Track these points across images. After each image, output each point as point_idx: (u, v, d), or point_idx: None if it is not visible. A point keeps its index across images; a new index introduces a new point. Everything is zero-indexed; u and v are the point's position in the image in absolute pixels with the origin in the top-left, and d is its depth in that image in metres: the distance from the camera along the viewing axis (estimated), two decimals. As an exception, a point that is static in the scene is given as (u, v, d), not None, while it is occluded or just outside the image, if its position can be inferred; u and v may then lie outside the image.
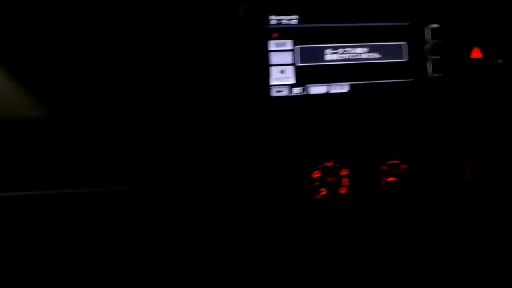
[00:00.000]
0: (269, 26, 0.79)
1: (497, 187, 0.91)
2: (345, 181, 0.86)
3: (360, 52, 0.83)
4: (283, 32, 0.80)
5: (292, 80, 0.80)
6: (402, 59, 0.85)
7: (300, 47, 0.80)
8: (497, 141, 0.91)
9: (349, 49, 0.83)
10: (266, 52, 0.80)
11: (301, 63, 0.80)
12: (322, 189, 0.85)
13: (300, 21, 0.80)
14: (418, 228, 0.92)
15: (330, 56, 0.82)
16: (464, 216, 0.93)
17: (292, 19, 0.80)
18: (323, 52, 0.81)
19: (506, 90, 0.90)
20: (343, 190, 0.86)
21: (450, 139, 0.89)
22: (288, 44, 0.80)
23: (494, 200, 0.90)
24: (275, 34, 0.79)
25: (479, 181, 0.90)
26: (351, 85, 0.83)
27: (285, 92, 0.81)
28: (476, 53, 0.89)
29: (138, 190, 0.77)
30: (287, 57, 0.80)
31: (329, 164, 0.85)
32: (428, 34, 0.86)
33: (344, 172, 0.86)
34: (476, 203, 0.91)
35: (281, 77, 0.80)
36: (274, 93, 0.80)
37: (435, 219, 0.91)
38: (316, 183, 0.85)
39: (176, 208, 0.80)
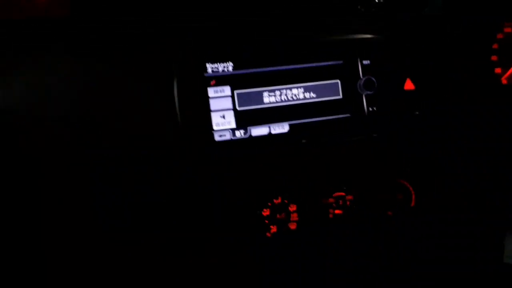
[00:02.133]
0: (206, 74, 0.83)
1: (441, 211, 0.95)
2: (294, 216, 0.88)
3: (296, 93, 0.87)
4: (220, 79, 0.83)
5: (233, 124, 0.84)
6: (337, 96, 0.89)
7: (238, 92, 0.84)
8: (437, 164, 0.95)
9: (286, 91, 0.86)
10: (206, 99, 0.83)
11: (240, 107, 0.84)
12: (272, 226, 0.87)
13: (235, 67, 0.84)
14: (370, 257, 0.95)
15: (268, 98, 0.86)
16: (415, 240, 0.96)
17: (227, 66, 0.84)
18: (262, 95, 0.85)
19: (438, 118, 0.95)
20: (292, 226, 0.88)
21: (391, 167, 0.93)
22: (226, 90, 0.84)
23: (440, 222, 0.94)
24: (212, 82, 0.83)
25: (423, 207, 0.94)
26: (290, 124, 0.86)
27: (228, 136, 0.84)
28: (409, 85, 0.93)
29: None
30: (227, 103, 0.84)
31: (278, 201, 0.88)
32: (360, 71, 0.91)
33: (292, 208, 0.88)
34: (423, 228, 0.94)
35: (223, 122, 0.83)
36: (217, 137, 0.83)
37: (385, 247, 0.94)
38: (266, 221, 0.87)
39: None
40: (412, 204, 0.94)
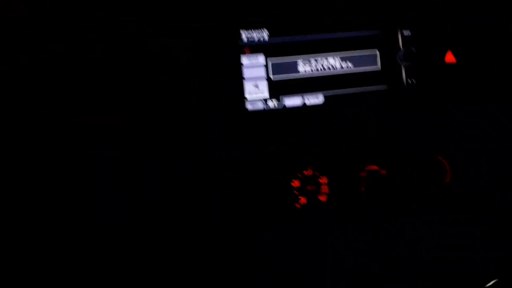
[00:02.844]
0: (241, 42, 0.81)
1: (476, 189, 0.92)
2: (325, 189, 0.87)
3: (332, 63, 0.84)
4: (255, 47, 0.81)
5: (266, 94, 0.82)
6: (375, 67, 0.86)
7: (272, 61, 0.82)
8: (474, 143, 0.92)
9: (321, 60, 0.84)
10: (239, 67, 0.81)
11: (274, 76, 0.82)
12: (302, 198, 0.86)
13: (270, 35, 0.82)
14: (401, 232, 0.93)
15: (303, 68, 0.83)
16: (445, 219, 0.94)
17: (262, 34, 0.82)
18: (296, 64, 0.83)
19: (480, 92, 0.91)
20: (322, 198, 0.87)
21: (427, 142, 0.90)
22: (260, 58, 0.82)
23: (473, 203, 0.91)
24: (246, 49, 0.81)
25: (458, 184, 0.91)
26: (325, 95, 0.84)
27: (260, 106, 0.82)
28: (450, 57, 0.89)
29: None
30: (260, 71, 0.82)
31: (308, 172, 0.87)
32: (400, 41, 0.87)
33: (323, 180, 0.87)
34: (456, 206, 0.92)
35: (255, 91, 0.82)
36: (249, 107, 0.82)
37: (419, 222, 0.93)
38: (296, 192, 0.86)
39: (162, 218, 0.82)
40: (447, 180, 0.91)
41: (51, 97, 0.79)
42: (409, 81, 0.88)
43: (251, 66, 0.82)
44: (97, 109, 0.80)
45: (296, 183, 0.86)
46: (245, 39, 0.81)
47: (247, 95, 0.82)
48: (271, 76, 0.82)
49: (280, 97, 0.83)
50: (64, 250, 0.80)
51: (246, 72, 0.82)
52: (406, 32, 0.88)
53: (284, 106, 0.83)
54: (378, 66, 0.86)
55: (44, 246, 0.79)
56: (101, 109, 0.80)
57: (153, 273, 0.82)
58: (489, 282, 0.87)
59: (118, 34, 0.80)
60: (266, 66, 0.82)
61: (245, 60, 0.82)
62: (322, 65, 0.84)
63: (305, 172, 0.87)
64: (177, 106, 0.82)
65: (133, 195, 0.81)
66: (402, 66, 0.87)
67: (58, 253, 0.79)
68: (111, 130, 0.80)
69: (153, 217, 0.82)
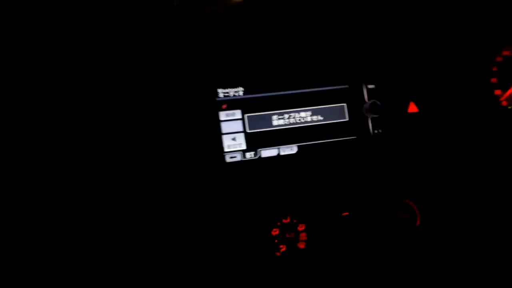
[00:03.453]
0: (218, 99, 0.86)
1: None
2: (303, 236, 0.90)
3: (304, 116, 0.90)
4: (231, 103, 0.87)
5: (243, 146, 0.87)
6: (343, 119, 0.92)
7: (248, 116, 0.87)
8: (442, 185, 0.97)
9: (294, 114, 0.90)
10: (218, 122, 0.86)
11: (250, 130, 0.87)
12: (282, 246, 0.89)
13: (245, 92, 0.88)
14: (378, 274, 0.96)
15: (277, 121, 0.89)
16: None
17: (238, 91, 0.88)
18: (270, 118, 0.89)
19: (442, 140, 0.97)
20: (301, 245, 0.90)
21: (396, 188, 0.95)
22: (237, 113, 0.87)
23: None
24: (224, 106, 0.86)
25: (428, 226, 0.96)
26: (298, 146, 0.89)
27: (238, 158, 0.87)
28: (412, 108, 0.97)
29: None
30: (238, 126, 0.87)
31: (287, 221, 0.90)
32: (365, 95, 0.94)
33: (301, 227, 0.91)
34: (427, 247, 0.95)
35: (233, 144, 0.86)
36: (228, 159, 0.86)
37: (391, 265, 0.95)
38: (275, 240, 0.89)
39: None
40: (417, 223, 0.96)
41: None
42: (376, 131, 0.94)
43: (229, 121, 0.87)
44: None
45: (276, 232, 0.89)
46: (222, 96, 0.87)
47: (225, 148, 0.86)
48: (247, 130, 0.87)
49: (257, 149, 0.88)
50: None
51: (225, 126, 0.86)
52: (371, 86, 0.95)
53: (260, 156, 0.88)
54: (346, 117, 0.93)
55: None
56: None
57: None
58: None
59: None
60: (243, 120, 0.87)
61: (223, 116, 0.87)
62: (295, 118, 0.90)
63: (284, 221, 0.90)
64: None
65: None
66: (369, 118, 0.94)
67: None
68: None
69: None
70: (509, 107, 1.00)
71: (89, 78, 0.82)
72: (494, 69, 1.00)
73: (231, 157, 0.86)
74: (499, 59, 1.01)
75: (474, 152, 0.98)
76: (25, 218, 0.78)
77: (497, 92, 1.00)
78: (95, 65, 0.83)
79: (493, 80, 1.00)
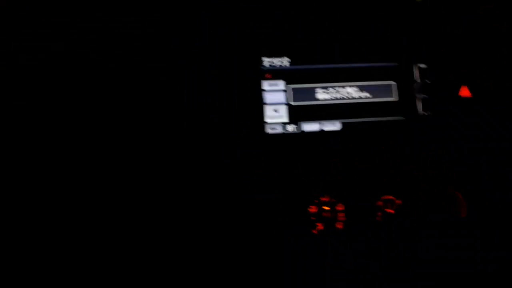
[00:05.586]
0: (262, 67, 0.85)
1: (492, 223, 0.91)
2: (341, 216, 0.87)
3: (350, 92, 0.87)
4: (276, 73, 0.85)
5: (285, 119, 0.85)
6: (391, 98, 0.89)
7: (293, 87, 0.85)
8: (492, 175, 0.92)
9: (340, 89, 0.87)
10: (260, 91, 0.85)
11: (293, 102, 0.85)
12: (319, 224, 0.86)
13: (291, 63, 0.86)
14: (415, 262, 0.92)
15: (322, 95, 0.86)
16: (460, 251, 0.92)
17: (283, 61, 0.86)
18: (315, 91, 0.86)
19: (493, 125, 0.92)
20: (339, 225, 0.87)
21: (444, 176, 0.91)
22: (281, 84, 0.85)
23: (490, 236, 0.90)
24: (268, 75, 0.85)
25: (474, 218, 0.91)
26: (342, 123, 0.86)
27: (279, 130, 0.85)
28: (465, 92, 0.92)
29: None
30: (280, 96, 0.85)
31: (325, 199, 0.87)
32: (416, 74, 0.90)
33: (340, 207, 0.87)
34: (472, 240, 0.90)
35: (275, 115, 0.84)
36: (268, 130, 0.84)
37: (432, 254, 0.91)
38: (313, 218, 0.86)
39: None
40: (463, 215, 0.91)
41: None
42: (424, 113, 0.90)
43: (272, 91, 0.85)
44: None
45: (313, 209, 0.86)
46: (267, 65, 0.85)
47: (267, 119, 0.84)
48: (291, 102, 0.85)
49: (298, 123, 0.85)
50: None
51: (267, 97, 0.85)
52: (422, 66, 0.91)
53: (302, 131, 0.85)
54: (394, 97, 0.89)
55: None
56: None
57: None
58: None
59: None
60: (286, 92, 0.85)
61: (266, 85, 0.85)
62: (341, 93, 0.87)
63: (322, 199, 0.87)
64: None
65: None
66: (418, 99, 0.90)
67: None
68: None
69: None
70: None
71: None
72: None
73: (272, 128, 0.84)
74: None
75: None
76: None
77: None
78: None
79: None
